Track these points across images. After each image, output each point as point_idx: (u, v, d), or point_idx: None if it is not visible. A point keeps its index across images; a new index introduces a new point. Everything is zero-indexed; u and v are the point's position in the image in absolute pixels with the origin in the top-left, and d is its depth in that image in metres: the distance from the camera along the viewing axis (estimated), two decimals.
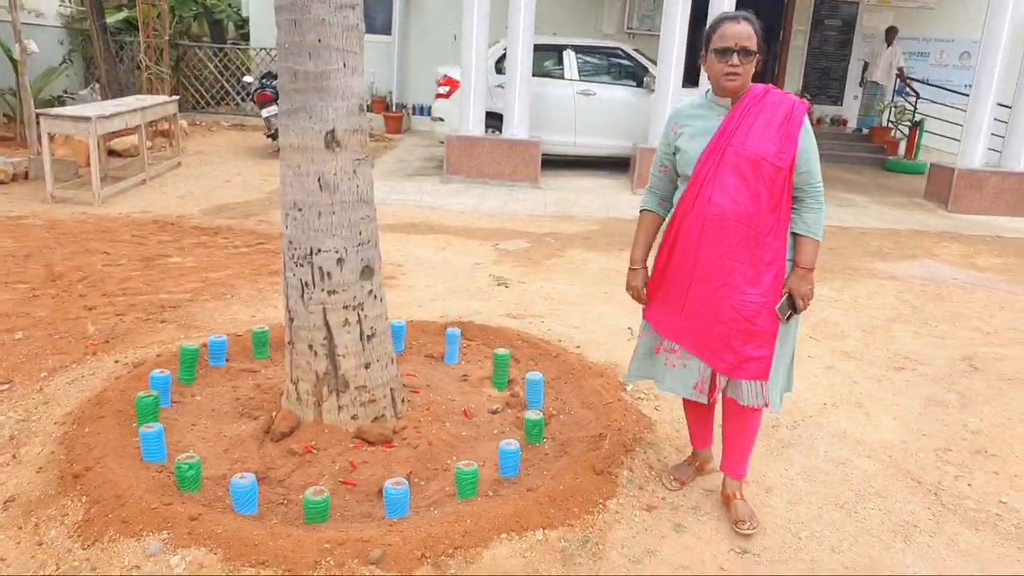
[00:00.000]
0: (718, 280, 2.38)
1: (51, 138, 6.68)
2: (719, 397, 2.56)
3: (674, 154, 2.48)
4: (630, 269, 2.65)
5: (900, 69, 12.05)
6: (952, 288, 5.70)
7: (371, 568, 2.16)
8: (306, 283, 2.79)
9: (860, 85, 12.64)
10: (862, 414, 3.51)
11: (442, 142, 9.31)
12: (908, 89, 12.12)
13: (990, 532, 2.69)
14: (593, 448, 2.88)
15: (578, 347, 4.05)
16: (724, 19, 2.34)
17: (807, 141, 2.34)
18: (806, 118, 2.35)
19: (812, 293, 2.42)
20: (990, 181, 8.64)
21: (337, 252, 2.78)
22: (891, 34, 11.93)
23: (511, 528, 2.36)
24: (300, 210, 2.74)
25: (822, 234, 2.42)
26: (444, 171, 8.86)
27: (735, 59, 2.29)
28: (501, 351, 3.58)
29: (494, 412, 3.27)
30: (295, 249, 2.79)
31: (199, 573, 2.11)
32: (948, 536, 2.65)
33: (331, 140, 2.69)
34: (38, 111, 6.66)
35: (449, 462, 2.82)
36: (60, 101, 11.12)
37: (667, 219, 2.57)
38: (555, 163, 9.71)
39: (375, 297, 2.94)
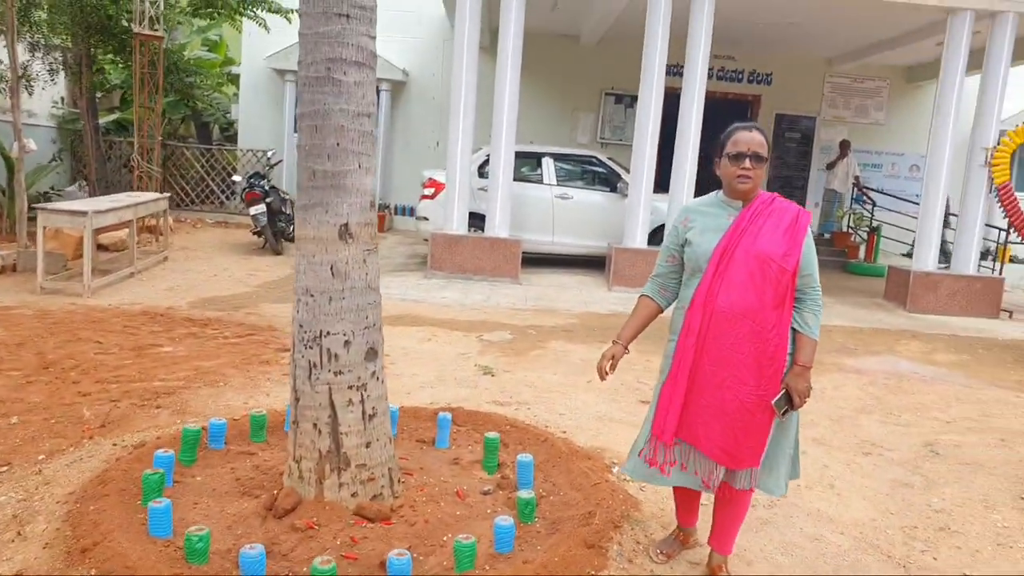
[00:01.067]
0: (724, 371, 2.49)
1: (51, 232, 6.86)
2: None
3: (682, 246, 2.65)
4: (612, 342, 2.75)
5: (856, 178, 12.89)
6: (913, 381, 5.99)
7: None
8: (314, 364, 2.96)
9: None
10: (834, 495, 3.68)
11: (426, 239, 9.67)
12: (865, 197, 12.92)
13: None
14: (584, 524, 3.00)
15: (564, 432, 4.20)
16: (737, 128, 2.57)
17: (809, 247, 2.53)
18: (809, 227, 2.55)
19: (808, 391, 2.55)
20: (943, 283, 9.16)
21: (345, 335, 2.96)
22: (845, 147, 12.83)
23: None
24: (312, 296, 2.94)
25: (818, 334, 2.58)
26: (428, 267, 9.16)
27: (747, 163, 2.49)
28: (491, 435, 3.72)
29: (486, 493, 3.38)
30: (305, 332, 2.97)
31: None
32: None
33: (344, 232, 2.93)
34: (36, 205, 6.87)
35: (445, 539, 2.91)
36: (47, 197, 11.38)
37: (675, 311, 2.69)
38: (534, 261, 10.09)
39: (377, 379, 3.11)
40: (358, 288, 3.00)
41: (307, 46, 2.90)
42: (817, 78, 13.88)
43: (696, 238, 2.58)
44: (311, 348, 2.96)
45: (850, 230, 13.17)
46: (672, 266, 2.73)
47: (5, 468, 3.29)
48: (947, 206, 9.70)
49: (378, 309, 3.12)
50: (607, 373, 2.74)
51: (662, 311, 2.79)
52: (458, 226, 9.18)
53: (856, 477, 3.93)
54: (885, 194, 13.01)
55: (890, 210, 12.72)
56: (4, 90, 10.32)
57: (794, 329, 2.53)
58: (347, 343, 2.97)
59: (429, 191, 10.05)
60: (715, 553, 2.80)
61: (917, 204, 10.23)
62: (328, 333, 2.95)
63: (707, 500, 2.99)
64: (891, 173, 14.07)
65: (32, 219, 8.08)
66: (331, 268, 2.93)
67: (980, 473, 4.14)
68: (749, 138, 2.52)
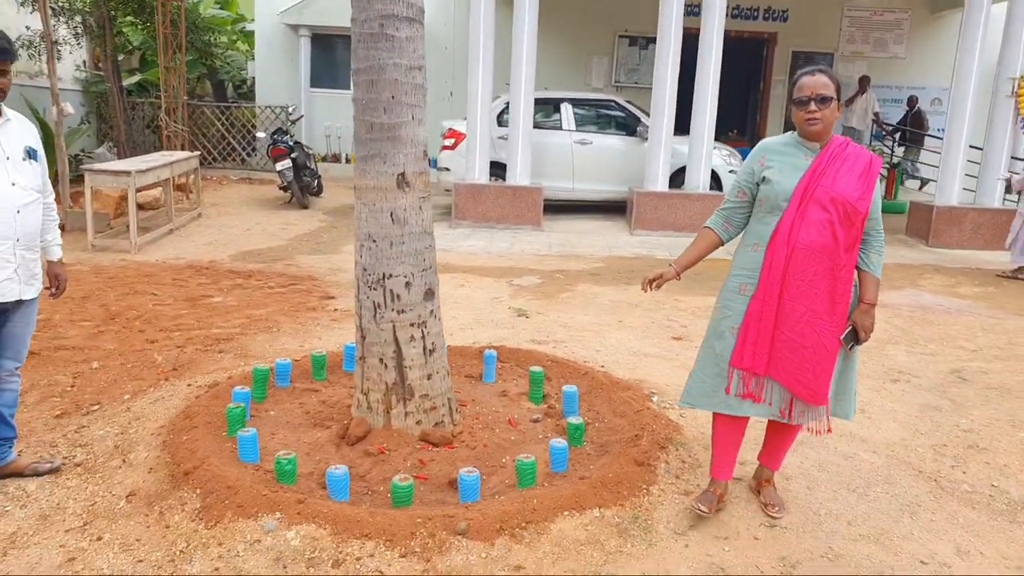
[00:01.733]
0: (803, 306, 2.61)
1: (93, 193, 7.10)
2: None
3: (757, 184, 2.71)
4: (668, 265, 2.85)
5: (876, 114, 12.80)
6: (938, 313, 6.16)
7: (458, 538, 2.51)
8: (378, 304, 3.19)
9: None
10: (865, 418, 3.91)
11: (448, 190, 9.82)
12: (884, 133, 12.85)
13: (984, 510, 3.07)
14: (632, 446, 3.25)
15: (602, 366, 4.44)
16: (802, 74, 2.65)
17: (877, 194, 2.66)
18: None
19: (873, 326, 2.71)
20: (967, 217, 9.22)
21: (405, 277, 3.18)
22: (864, 82, 12.71)
23: (572, 507, 2.72)
24: (374, 241, 3.15)
25: (881, 273, 2.73)
26: (452, 217, 9.33)
27: (812, 106, 2.58)
28: (536, 369, 3.96)
29: (535, 421, 3.64)
30: (369, 275, 3.19)
31: (313, 544, 2.46)
32: (948, 513, 3.02)
33: (402, 181, 3.12)
34: (82, 167, 7.09)
35: (504, 460, 3.18)
36: (78, 160, 11.59)
37: (742, 249, 2.76)
38: (555, 208, 10.23)
39: (435, 316, 3.34)
40: (415, 233, 3.20)
41: (360, 3, 3.04)
42: (834, 13, 13.66)
43: (776, 176, 2.65)
44: (375, 289, 3.18)
45: None
46: (741, 201, 2.79)
47: (96, 407, 3.59)
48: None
49: (433, 252, 3.34)
50: (649, 288, 2.84)
51: (722, 243, 2.87)
52: (480, 175, 9.31)
53: (886, 402, 4.15)
54: (906, 129, 12.93)
55: (909, 145, 12.67)
56: (34, 56, 10.46)
57: (859, 268, 2.68)
58: (408, 284, 3.20)
59: (449, 142, 10.14)
60: (764, 468, 3.04)
61: (939, 139, 10.21)
62: (390, 275, 3.17)
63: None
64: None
65: (71, 181, 8.33)
66: (391, 215, 3.14)
67: (1008, 397, 4.34)
68: (812, 82, 2.60)
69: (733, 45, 11.20)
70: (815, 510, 2.96)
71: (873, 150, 12.87)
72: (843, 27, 13.77)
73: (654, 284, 2.85)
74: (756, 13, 13.58)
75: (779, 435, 2.95)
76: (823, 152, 2.65)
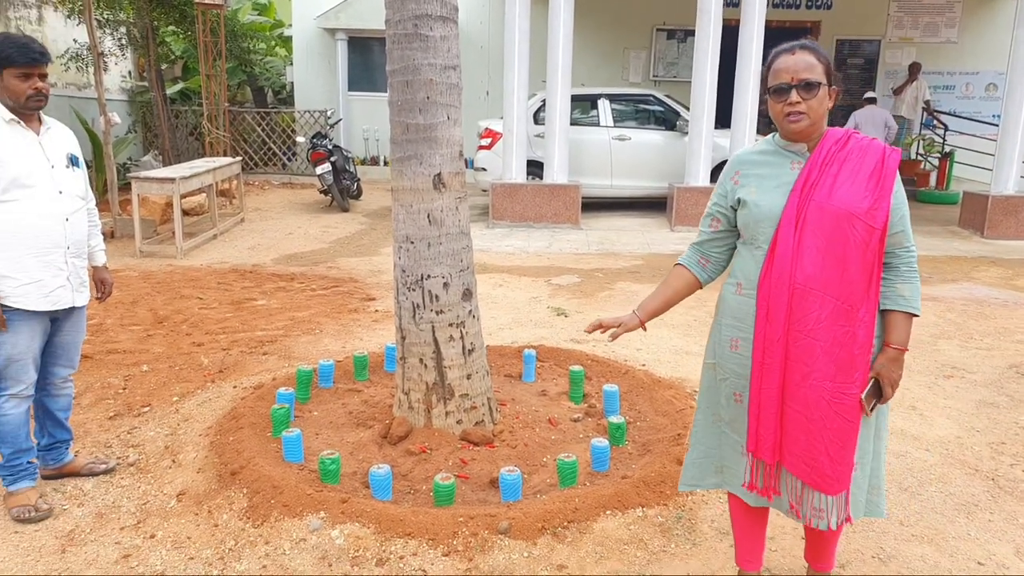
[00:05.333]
0: (807, 366, 1.97)
1: (140, 200, 7.30)
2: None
3: (733, 208, 2.12)
4: (632, 311, 2.29)
5: (927, 102, 12.43)
6: (994, 307, 5.95)
7: (500, 537, 2.51)
8: (417, 305, 3.21)
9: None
10: (916, 415, 3.80)
11: (484, 190, 9.84)
12: (935, 121, 12.48)
13: None
14: (674, 445, 3.22)
15: (643, 365, 4.40)
16: (778, 53, 2.03)
17: (900, 197, 1.99)
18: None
19: (900, 379, 2.02)
20: None
21: (443, 277, 3.19)
22: (914, 70, 12.34)
23: (614, 506, 2.70)
24: (412, 242, 3.17)
25: (920, 308, 2.02)
26: (489, 217, 9.34)
27: (794, 95, 1.95)
28: (576, 368, 3.94)
29: (576, 420, 3.62)
30: (407, 276, 3.21)
31: (357, 543, 2.48)
32: (1007, 513, 2.92)
33: (438, 182, 3.13)
34: (131, 175, 7.29)
35: (545, 460, 3.17)
36: (125, 168, 11.92)
37: (726, 289, 2.15)
38: (593, 205, 10.17)
39: (473, 316, 3.35)
40: (452, 234, 3.21)
41: (394, 4, 3.06)
42: None
43: (753, 197, 2.04)
44: (414, 290, 3.20)
45: (919, 157, 12.78)
46: (716, 232, 2.18)
47: (147, 408, 3.68)
48: None
49: (470, 252, 3.34)
50: (601, 331, 2.27)
51: (700, 286, 2.26)
52: (517, 175, 9.30)
53: (939, 399, 4.02)
54: (958, 116, 12.52)
55: (963, 133, 12.26)
56: (82, 68, 10.80)
57: (885, 309, 2.01)
58: (446, 285, 3.20)
59: (486, 141, 10.15)
60: (815, 571, 2.35)
61: (994, 126, 9.87)
62: (428, 276, 3.18)
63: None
64: (965, 94, 13.50)
65: (119, 189, 8.57)
66: (428, 216, 3.15)
67: None
68: (792, 63, 1.96)
69: (774, 35, 11.00)
70: None
71: (923, 139, 12.54)
72: (891, 12, 13.40)
73: (611, 336, 2.26)
74: (798, 2, 13.32)
75: (821, 533, 2.22)
76: (813, 155, 2.00)
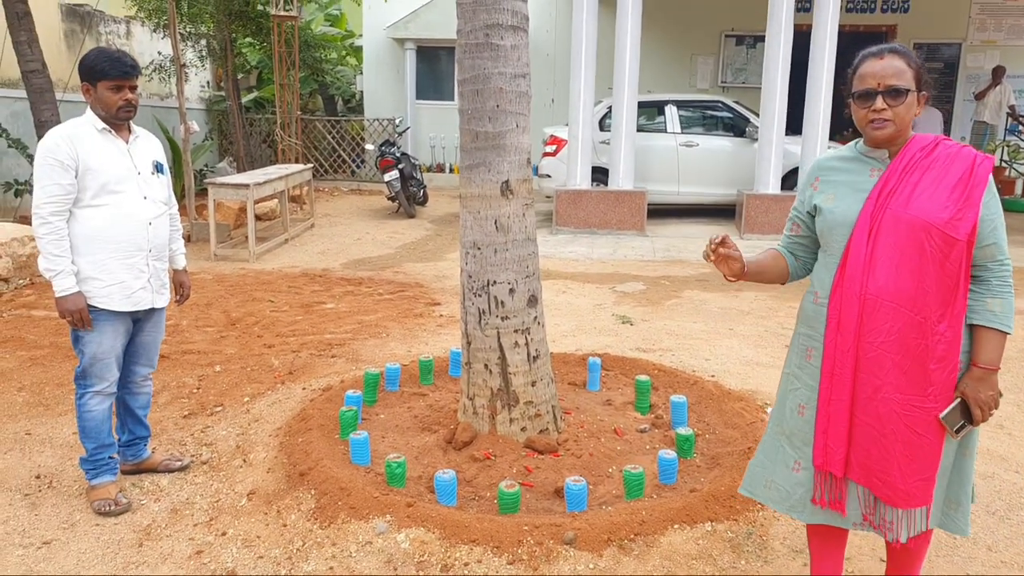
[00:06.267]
0: (878, 379, 1.93)
1: (215, 205, 7.58)
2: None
3: (811, 214, 2.11)
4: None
5: (1012, 107, 11.85)
6: None
7: (565, 547, 2.48)
8: (483, 310, 3.21)
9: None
10: (1004, 435, 3.60)
11: (549, 197, 9.83)
12: (1021, 127, 11.88)
13: None
14: (745, 458, 3.12)
15: (712, 376, 4.30)
16: (865, 56, 1.97)
17: (993, 207, 1.89)
18: (991, 178, 1.90)
19: (996, 401, 1.93)
20: None
21: (509, 284, 3.19)
22: (999, 73, 11.79)
23: (682, 520, 2.64)
24: (479, 249, 3.18)
25: (1013, 325, 1.91)
26: (553, 223, 9.33)
27: (879, 102, 1.89)
28: (642, 377, 3.88)
29: (642, 431, 3.56)
30: (474, 282, 3.22)
31: (422, 548, 2.49)
32: None
33: (506, 189, 3.14)
34: (206, 181, 7.58)
35: (610, 471, 3.12)
36: (202, 174, 12.40)
37: (806, 296, 2.12)
38: (659, 212, 10.04)
39: (538, 323, 3.33)
40: (519, 240, 3.21)
41: (466, 14, 3.08)
42: (962, 0, 12.77)
43: (829, 204, 2.02)
44: (480, 296, 3.21)
45: (1004, 164, 12.17)
46: (796, 237, 2.18)
47: (220, 408, 3.80)
48: None
49: (536, 259, 3.33)
50: (711, 254, 2.06)
51: (787, 276, 2.23)
52: (581, 181, 9.26)
53: None
54: None
55: None
56: (165, 79, 11.30)
57: (970, 319, 1.92)
58: (512, 291, 3.20)
59: (551, 148, 10.15)
60: None
61: None
62: (495, 282, 3.18)
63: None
64: None
65: (196, 194, 8.91)
66: (495, 223, 3.15)
67: None
68: (880, 68, 1.91)
69: (848, 39, 10.67)
70: (951, 534, 2.74)
71: (1007, 145, 11.95)
72: (972, 14, 12.84)
73: (714, 252, 2.06)
74: (873, 5, 12.89)
75: (900, 552, 2.15)
76: (894, 163, 1.95)
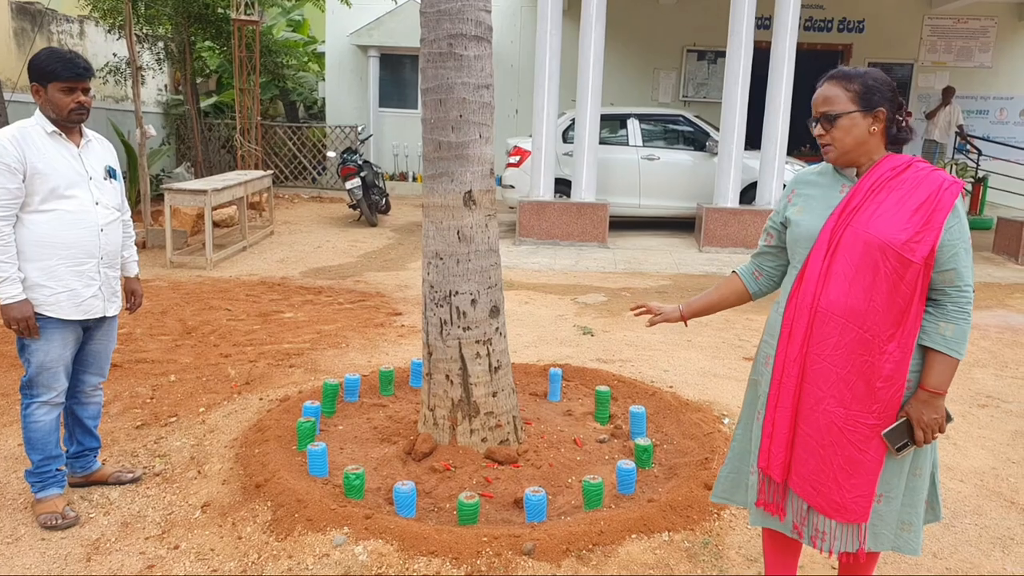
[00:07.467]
0: (821, 390, 1.97)
1: (172, 211, 7.43)
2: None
3: (784, 225, 2.16)
4: (677, 306, 2.39)
5: (960, 127, 12.27)
6: None
7: (524, 558, 2.48)
8: (445, 321, 3.20)
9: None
10: (950, 444, 3.70)
11: (512, 207, 9.87)
12: (969, 146, 12.31)
13: None
14: (702, 469, 3.16)
15: (671, 387, 4.35)
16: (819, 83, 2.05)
17: (956, 233, 1.89)
18: (959, 203, 1.90)
19: (940, 425, 1.93)
20: None
21: (471, 294, 3.19)
22: (948, 94, 12.21)
23: (640, 530, 2.66)
24: (441, 259, 3.18)
25: (964, 352, 1.92)
26: (516, 234, 9.36)
27: (816, 128, 2.01)
28: (602, 388, 3.90)
29: (602, 441, 3.58)
30: (436, 292, 3.21)
31: (380, 560, 2.47)
32: None
33: (468, 199, 3.14)
34: (162, 187, 7.42)
35: (570, 480, 3.14)
36: (158, 179, 12.14)
37: (773, 308, 2.16)
38: (621, 224, 10.14)
39: (500, 334, 3.34)
40: (481, 251, 3.21)
41: (429, 23, 3.09)
42: (915, 22, 13.20)
43: (798, 217, 2.07)
44: (442, 307, 3.20)
45: None
46: (770, 247, 2.24)
47: (174, 419, 3.71)
48: None
49: (499, 270, 3.34)
50: (640, 313, 2.41)
51: (750, 298, 2.31)
52: (544, 192, 9.32)
53: (973, 428, 3.93)
54: (992, 142, 12.34)
55: (997, 158, 12.07)
56: (121, 81, 11.05)
57: (922, 341, 1.93)
58: (474, 301, 3.20)
59: (515, 159, 10.19)
60: None
61: None
62: (457, 292, 3.18)
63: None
64: (999, 119, 13.31)
65: (152, 200, 8.72)
66: (457, 233, 3.16)
67: None
68: (817, 96, 2.02)
69: (804, 58, 10.95)
70: None
71: (955, 164, 12.37)
72: (924, 36, 13.29)
73: (649, 322, 2.38)
74: (830, 25, 13.25)
75: (852, 564, 2.16)
76: (862, 180, 1.98)
